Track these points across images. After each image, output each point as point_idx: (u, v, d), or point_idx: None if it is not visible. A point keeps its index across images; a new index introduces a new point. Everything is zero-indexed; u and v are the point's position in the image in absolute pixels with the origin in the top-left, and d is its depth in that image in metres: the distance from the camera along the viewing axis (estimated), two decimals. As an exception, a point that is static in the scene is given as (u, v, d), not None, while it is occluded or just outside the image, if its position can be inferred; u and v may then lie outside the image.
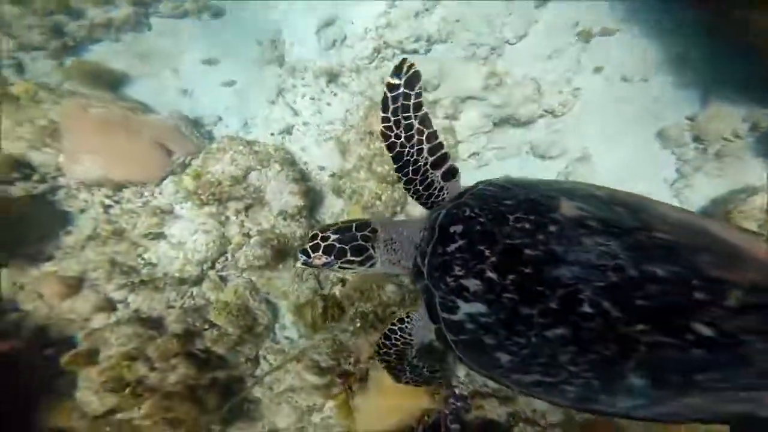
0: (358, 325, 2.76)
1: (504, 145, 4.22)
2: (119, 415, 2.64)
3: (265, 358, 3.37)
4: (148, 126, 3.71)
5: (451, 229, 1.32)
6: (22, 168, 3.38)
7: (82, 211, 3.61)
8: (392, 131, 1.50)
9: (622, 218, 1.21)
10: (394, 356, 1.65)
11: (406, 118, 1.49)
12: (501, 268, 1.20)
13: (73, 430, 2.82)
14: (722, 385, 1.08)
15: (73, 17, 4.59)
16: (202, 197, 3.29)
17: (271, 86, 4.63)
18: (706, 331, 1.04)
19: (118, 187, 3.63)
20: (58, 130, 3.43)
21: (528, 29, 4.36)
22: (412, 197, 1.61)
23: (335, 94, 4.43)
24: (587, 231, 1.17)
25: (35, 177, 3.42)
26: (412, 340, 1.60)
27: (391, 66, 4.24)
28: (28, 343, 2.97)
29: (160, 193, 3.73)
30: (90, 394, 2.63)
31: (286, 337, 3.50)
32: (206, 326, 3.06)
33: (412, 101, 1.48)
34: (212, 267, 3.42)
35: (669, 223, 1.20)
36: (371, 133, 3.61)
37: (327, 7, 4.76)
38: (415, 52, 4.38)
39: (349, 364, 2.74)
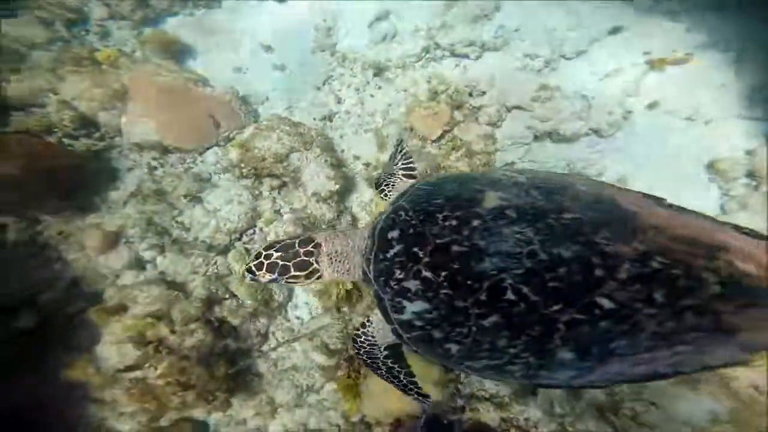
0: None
1: (542, 158, 4.08)
2: (136, 373, 2.75)
3: (273, 334, 3.43)
4: (204, 99, 3.89)
5: (389, 236, 1.43)
6: (89, 126, 3.63)
7: (130, 169, 3.83)
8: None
9: (537, 202, 1.32)
10: (366, 358, 1.72)
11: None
12: (434, 266, 1.30)
13: (88, 383, 2.95)
14: (631, 350, 1.23)
15: None
16: (243, 170, 3.40)
17: (319, 72, 4.72)
18: (608, 304, 1.19)
19: (166, 151, 3.82)
20: (126, 93, 3.65)
21: (589, 46, 4.21)
22: (383, 199, 1.79)
23: (379, 88, 4.47)
24: (506, 221, 1.29)
25: (97, 135, 3.66)
26: (375, 341, 1.67)
27: (438, 67, 4.41)
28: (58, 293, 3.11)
29: (202, 162, 3.91)
30: (112, 348, 2.75)
31: (297, 317, 3.53)
32: (227, 296, 3.14)
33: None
34: (240, 238, 3.52)
35: (579, 201, 1.33)
36: (411, 129, 3.59)
37: (383, 1, 4.81)
38: (465, 56, 4.34)
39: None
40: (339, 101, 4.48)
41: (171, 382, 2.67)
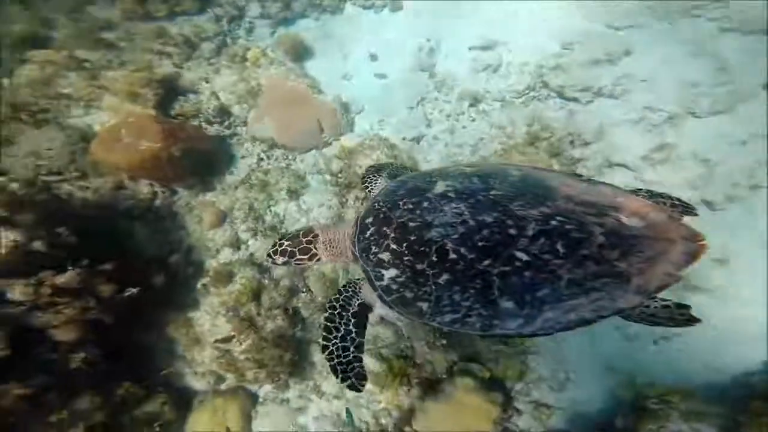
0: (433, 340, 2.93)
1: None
2: (226, 345, 3.17)
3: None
4: (316, 105, 4.36)
5: (366, 221, 1.80)
6: (224, 115, 4.31)
7: (243, 157, 4.44)
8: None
9: (472, 185, 1.67)
10: (338, 306, 1.92)
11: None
12: (398, 240, 1.64)
13: (177, 340, 3.43)
14: (556, 297, 1.48)
15: None
16: (339, 179, 3.75)
17: (415, 92, 4.89)
18: (524, 256, 1.47)
19: (274, 146, 4.37)
20: (259, 92, 4.26)
21: (731, 106, 3.71)
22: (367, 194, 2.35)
23: (473, 119, 4.49)
24: (447, 200, 1.63)
25: (226, 123, 4.34)
26: (360, 294, 1.96)
27: (541, 107, 4.27)
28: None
29: (302, 161, 4.38)
30: (206, 317, 3.26)
31: None
32: (303, 289, 3.53)
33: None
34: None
35: (507, 181, 1.67)
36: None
37: (492, 30, 4.79)
38: (574, 100, 4.14)
39: (413, 366, 2.97)
40: (429, 125, 4.61)
41: (250, 359, 3.05)
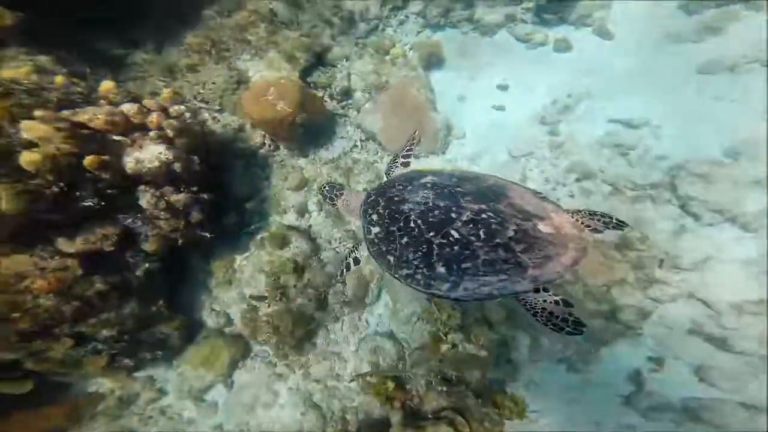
0: (433, 380, 3.03)
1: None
2: (256, 302, 3.37)
3: (343, 322, 3.99)
4: (425, 120, 4.48)
5: (372, 193, 2.43)
6: (346, 96, 4.70)
7: (342, 138, 4.78)
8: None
9: (447, 183, 2.17)
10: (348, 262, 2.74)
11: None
12: (384, 208, 2.22)
13: (216, 276, 3.71)
14: (474, 272, 1.90)
15: (465, 5, 5.32)
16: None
17: (526, 142, 4.63)
18: (456, 234, 1.93)
19: (369, 139, 4.63)
20: (383, 88, 4.54)
21: None
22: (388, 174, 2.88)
23: (571, 195, 4.13)
24: (424, 188, 2.17)
25: (344, 104, 4.72)
26: (360, 248, 2.66)
27: (652, 211, 3.69)
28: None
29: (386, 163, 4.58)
30: (248, 269, 3.50)
31: (367, 322, 4.01)
32: (340, 280, 3.78)
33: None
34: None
35: (474, 185, 2.15)
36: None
37: (651, 109, 4.21)
38: (695, 216, 3.53)
39: (402, 389, 3.13)
40: (523, 180, 4.38)
41: (269, 323, 3.25)
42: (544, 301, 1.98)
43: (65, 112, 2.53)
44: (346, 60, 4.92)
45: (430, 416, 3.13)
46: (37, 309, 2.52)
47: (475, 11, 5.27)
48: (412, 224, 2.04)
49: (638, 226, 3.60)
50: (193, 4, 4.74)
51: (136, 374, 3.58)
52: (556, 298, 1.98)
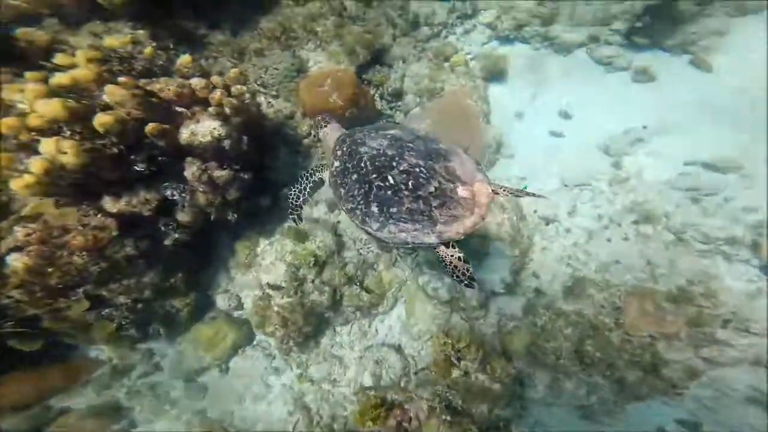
0: (437, 406, 2.85)
1: None
2: (271, 290, 3.33)
3: (352, 326, 3.87)
4: (476, 133, 4.28)
5: (346, 134, 2.66)
6: (397, 97, 4.66)
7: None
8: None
9: (406, 137, 2.39)
10: (305, 176, 2.96)
11: None
12: (348, 147, 2.45)
13: (238, 257, 3.70)
14: (397, 217, 2.14)
15: (543, 22, 5.02)
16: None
17: (583, 172, 4.25)
18: (391, 180, 2.17)
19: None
20: (438, 94, 4.42)
21: None
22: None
23: (625, 238, 3.71)
24: (384, 138, 2.38)
25: (393, 105, 4.68)
26: (322, 174, 2.94)
27: (722, 267, 3.20)
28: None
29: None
30: (270, 256, 3.48)
31: (376, 330, 3.88)
32: (358, 282, 3.70)
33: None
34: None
35: (425, 143, 2.37)
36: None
37: (745, 153, 3.66)
38: None
39: (400, 407, 2.98)
40: (572, 213, 4.01)
41: (279, 314, 3.20)
42: (452, 255, 2.18)
43: (143, 81, 2.68)
44: (403, 61, 4.85)
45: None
46: (69, 265, 2.58)
47: (554, 28, 4.95)
48: (362, 164, 2.28)
49: (704, 282, 3.13)
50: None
51: (138, 345, 3.59)
52: (461, 254, 2.18)
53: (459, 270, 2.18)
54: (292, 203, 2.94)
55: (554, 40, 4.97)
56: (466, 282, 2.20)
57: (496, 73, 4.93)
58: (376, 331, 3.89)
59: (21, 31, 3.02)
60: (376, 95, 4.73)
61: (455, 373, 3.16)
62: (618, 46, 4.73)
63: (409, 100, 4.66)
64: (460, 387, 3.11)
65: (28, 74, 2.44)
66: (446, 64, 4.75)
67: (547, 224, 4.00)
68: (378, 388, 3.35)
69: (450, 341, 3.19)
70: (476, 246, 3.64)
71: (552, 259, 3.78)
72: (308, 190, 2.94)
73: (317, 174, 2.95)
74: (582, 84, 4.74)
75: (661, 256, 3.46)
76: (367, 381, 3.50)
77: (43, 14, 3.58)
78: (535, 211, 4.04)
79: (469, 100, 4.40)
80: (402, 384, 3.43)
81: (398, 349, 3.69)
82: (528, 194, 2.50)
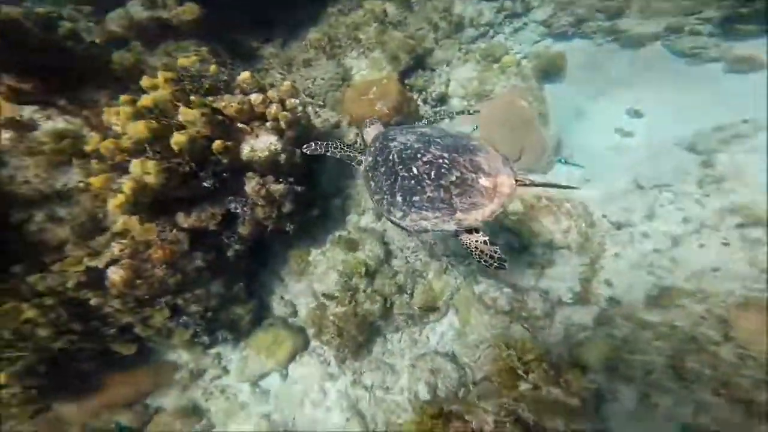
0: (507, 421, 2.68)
1: None
2: (326, 300, 3.36)
3: (402, 334, 3.74)
4: (531, 135, 4.02)
5: (383, 131, 2.75)
6: (441, 101, 4.53)
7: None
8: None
9: (436, 134, 2.46)
10: (347, 147, 2.96)
11: None
12: (381, 143, 2.54)
13: (293, 266, 3.75)
14: (419, 205, 2.22)
15: (608, 16, 4.72)
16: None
17: (663, 171, 3.77)
18: (415, 170, 2.26)
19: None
20: (487, 97, 4.23)
21: None
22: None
23: (725, 243, 3.17)
24: (414, 134, 2.47)
25: (436, 108, 4.55)
26: (361, 149, 2.91)
27: None
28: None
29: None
30: (323, 265, 3.54)
31: (427, 337, 3.73)
32: (408, 292, 3.58)
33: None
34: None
35: (453, 139, 2.42)
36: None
37: None
38: None
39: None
40: (650, 217, 3.55)
41: (334, 323, 3.20)
42: (476, 240, 2.18)
43: (209, 99, 2.85)
44: (447, 65, 4.70)
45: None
46: (152, 278, 2.78)
47: (622, 21, 4.51)
48: (390, 157, 2.35)
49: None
50: (321, 2, 5.02)
51: (208, 351, 3.77)
52: (485, 238, 2.18)
53: (486, 254, 2.18)
54: (340, 148, 2.88)
55: (623, 34, 4.54)
56: (496, 264, 2.17)
57: (552, 72, 4.64)
58: (428, 338, 3.75)
59: (116, 56, 3.33)
60: (419, 100, 4.64)
61: (523, 386, 2.91)
62: (707, 36, 4.17)
63: (455, 103, 4.49)
64: (528, 400, 2.86)
65: (122, 97, 2.63)
66: (495, 66, 4.52)
67: (619, 229, 3.57)
68: (435, 398, 3.21)
69: (514, 352, 2.95)
70: (539, 256, 3.36)
71: (627, 266, 3.37)
72: (343, 148, 2.89)
73: (356, 151, 2.88)
74: (656, 79, 4.27)
75: (738, 282, 2.90)
76: (422, 390, 3.38)
77: (129, 37, 3.94)
78: (604, 216, 3.63)
79: (523, 102, 4.13)
80: (460, 394, 3.25)
81: (452, 357, 3.51)
82: (557, 186, 2.58)
